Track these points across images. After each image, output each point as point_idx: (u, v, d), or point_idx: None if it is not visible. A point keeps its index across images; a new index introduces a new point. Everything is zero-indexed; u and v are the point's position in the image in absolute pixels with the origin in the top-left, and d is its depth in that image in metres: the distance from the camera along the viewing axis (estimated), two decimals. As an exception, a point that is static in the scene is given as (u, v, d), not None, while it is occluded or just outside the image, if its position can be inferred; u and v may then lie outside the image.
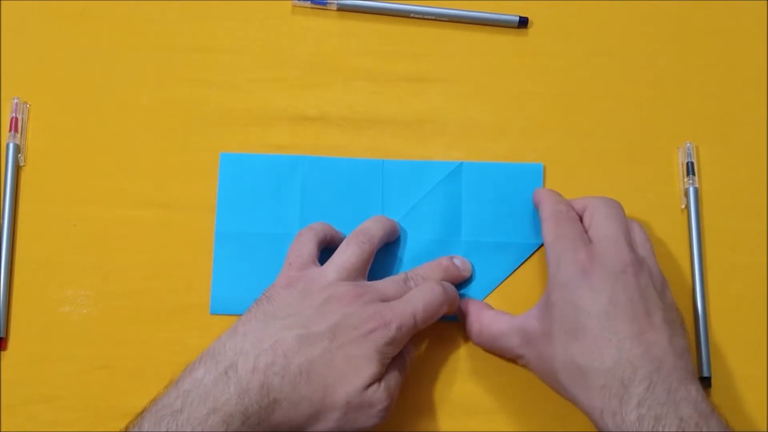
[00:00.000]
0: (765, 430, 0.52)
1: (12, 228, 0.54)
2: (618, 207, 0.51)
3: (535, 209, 0.54)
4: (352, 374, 0.46)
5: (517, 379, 0.53)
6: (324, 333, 0.46)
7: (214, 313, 0.54)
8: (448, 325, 0.54)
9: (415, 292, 0.50)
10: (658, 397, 0.42)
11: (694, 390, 0.43)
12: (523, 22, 0.59)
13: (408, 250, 0.55)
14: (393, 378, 0.48)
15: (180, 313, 0.54)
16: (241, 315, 0.48)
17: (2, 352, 0.52)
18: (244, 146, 0.56)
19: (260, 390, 0.44)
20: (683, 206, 0.56)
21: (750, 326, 0.54)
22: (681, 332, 0.47)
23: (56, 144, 0.56)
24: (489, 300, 0.54)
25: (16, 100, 0.56)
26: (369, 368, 0.46)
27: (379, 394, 0.46)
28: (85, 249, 0.54)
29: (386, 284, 0.50)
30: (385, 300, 0.49)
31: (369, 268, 0.51)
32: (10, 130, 0.55)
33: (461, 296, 0.54)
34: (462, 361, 0.53)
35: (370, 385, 0.46)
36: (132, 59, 0.58)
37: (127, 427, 0.44)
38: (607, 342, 0.44)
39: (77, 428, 0.51)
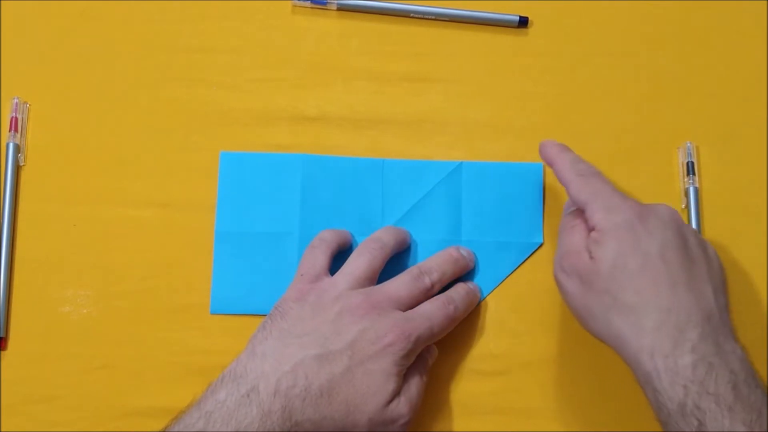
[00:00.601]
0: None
1: (12, 228, 0.54)
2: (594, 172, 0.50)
3: (534, 208, 0.54)
4: (373, 391, 0.46)
5: (517, 379, 0.53)
6: (343, 351, 0.46)
7: (214, 312, 0.54)
8: (448, 325, 0.54)
9: (433, 307, 0.50)
10: (710, 347, 0.42)
11: (739, 348, 0.43)
12: (523, 22, 0.59)
13: (408, 250, 0.55)
14: (414, 387, 0.48)
15: (180, 313, 0.53)
16: (256, 332, 0.48)
17: (2, 352, 0.52)
18: (244, 146, 0.56)
19: (282, 413, 0.44)
20: (683, 206, 0.56)
21: (750, 326, 0.54)
22: (723, 289, 0.46)
23: (56, 144, 0.56)
24: (489, 300, 0.54)
25: (16, 100, 0.56)
26: (389, 384, 0.46)
27: (400, 408, 0.47)
28: (85, 249, 0.54)
29: (399, 285, 0.50)
30: (399, 304, 0.49)
31: (379, 275, 0.51)
32: (10, 130, 0.55)
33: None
34: (462, 361, 0.53)
35: (391, 401, 0.46)
36: (132, 59, 0.58)
37: None
38: (664, 283, 0.44)
39: (77, 428, 0.51)
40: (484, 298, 0.54)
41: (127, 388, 0.52)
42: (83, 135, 0.56)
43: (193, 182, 0.55)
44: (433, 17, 0.59)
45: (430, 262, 0.52)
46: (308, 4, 0.59)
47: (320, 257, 0.51)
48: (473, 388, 0.53)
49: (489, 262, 0.55)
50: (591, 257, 0.46)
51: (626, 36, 0.59)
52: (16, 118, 0.55)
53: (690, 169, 0.56)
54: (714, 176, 0.57)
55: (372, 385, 0.46)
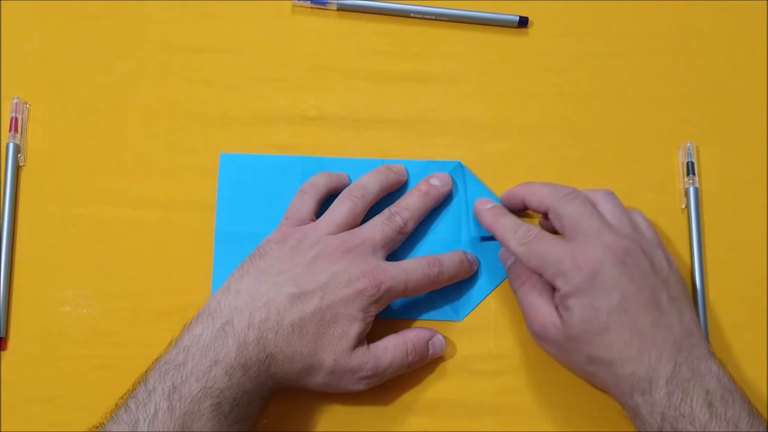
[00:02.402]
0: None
1: (12, 228, 0.54)
2: (571, 191, 0.51)
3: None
4: (339, 333, 0.47)
5: (517, 379, 0.53)
6: (315, 291, 0.47)
7: (214, 313, 0.54)
8: (449, 325, 0.54)
9: (415, 264, 0.51)
10: (684, 375, 0.45)
11: (715, 366, 0.46)
12: (523, 22, 0.59)
13: (408, 249, 0.55)
14: (387, 350, 0.49)
15: (180, 313, 0.53)
16: (234, 271, 0.49)
17: (2, 352, 0.52)
18: (244, 146, 0.56)
19: (257, 344, 0.45)
20: (683, 206, 0.56)
21: (750, 326, 0.54)
22: (686, 306, 0.48)
23: (56, 144, 0.56)
24: (489, 300, 0.54)
25: (16, 100, 0.56)
26: (353, 327, 0.48)
27: (365, 358, 0.48)
28: (85, 249, 0.54)
29: (373, 228, 0.51)
30: (375, 247, 0.50)
31: (361, 221, 0.52)
32: (10, 130, 0.55)
33: (461, 294, 0.54)
34: (463, 361, 0.53)
35: (356, 346, 0.48)
36: (132, 59, 0.58)
37: (133, 387, 0.45)
38: (629, 335, 0.46)
39: (77, 428, 0.51)
40: (484, 298, 0.54)
41: (127, 388, 0.52)
42: (83, 135, 0.56)
43: (193, 182, 0.55)
44: (433, 17, 0.59)
45: (401, 200, 0.53)
46: (308, 4, 0.59)
47: (308, 202, 0.52)
48: (473, 388, 0.53)
49: (489, 262, 0.55)
50: (560, 320, 0.48)
51: (626, 36, 0.59)
52: (16, 118, 0.55)
53: (690, 169, 0.56)
54: (714, 176, 0.57)
55: (339, 327, 0.47)
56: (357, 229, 0.51)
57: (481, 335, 0.54)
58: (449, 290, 0.54)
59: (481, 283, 0.55)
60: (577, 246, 0.48)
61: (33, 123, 0.56)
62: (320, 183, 0.53)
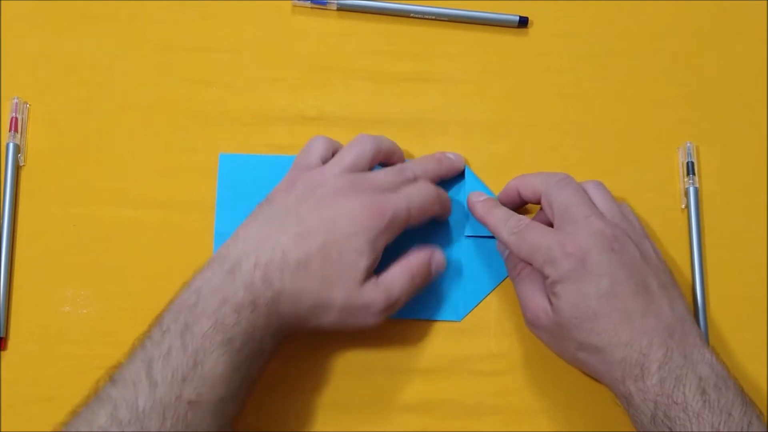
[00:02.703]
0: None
1: (12, 228, 0.54)
2: (564, 178, 0.51)
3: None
4: (346, 268, 0.47)
5: (517, 379, 0.53)
6: (319, 227, 0.47)
7: (214, 313, 0.54)
8: (450, 325, 0.54)
9: (412, 188, 0.51)
10: (677, 361, 0.44)
11: (708, 353, 0.45)
12: (523, 22, 0.59)
13: (408, 247, 0.54)
14: (396, 278, 0.49)
15: (180, 313, 0.53)
16: (244, 220, 0.49)
17: (2, 352, 0.52)
18: (244, 146, 0.56)
19: (263, 282, 0.46)
20: (683, 206, 0.56)
21: (750, 326, 0.54)
22: (677, 294, 0.48)
23: (56, 144, 0.56)
24: (489, 300, 0.54)
25: (16, 100, 0.56)
26: (361, 261, 0.47)
27: (375, 293, 0.48)
28: (85, 249, 0.54)
29: (382, 175, 0.51)
30: (382, 191, 0.50)
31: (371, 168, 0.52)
32: (10, 130, 0.55)
33: (461, 294, 0.54)
34: (463, 361, 0.53)
35: (365, 280, 0.47)
36: (132, 59, 0.58)
37: (149, 328, 0.45)
38: (619, 320, 0.46)
39: (77, 428, 0.51)
40: (484, 298, 0.54)
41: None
42: (83, 135, 0.56)
43: (193, 182, 0.55)
44: (433, 17, 0.59)
45: (414, 161, 0.54)
46: (308, 4, 0.59)
47: (318, 148, 0.52)
48: (473, 388, 0.53)
49: (489, 262, 0.55)
50: (551, 306, 0.48)
51: (626, 36, 0.59)
52: (16, 118, 0.55)
53: (690, 169, 0.56)
54: (714, 176, 0.57)
55: (346, 262, 0.47)
56: (367, 173, 0.51)
57: (481, 335, 0.54)
58: (449, 290, 0.54)
59: (481, 283, 0.55)
60: (566, 233, 0.48)
61: (33, 123, 0.56)
62: (329, 138, 0.53)
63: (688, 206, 0.56)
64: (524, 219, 0.51)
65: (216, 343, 0.44)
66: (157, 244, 0.54)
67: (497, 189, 0.56)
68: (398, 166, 0.52)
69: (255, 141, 0.56)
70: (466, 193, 0.55)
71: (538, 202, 0.52)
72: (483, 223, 0.53)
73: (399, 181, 0.51)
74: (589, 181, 0.52)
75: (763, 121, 0.58)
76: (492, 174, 0.56)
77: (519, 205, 0.54)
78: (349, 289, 0.47)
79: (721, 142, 0.58)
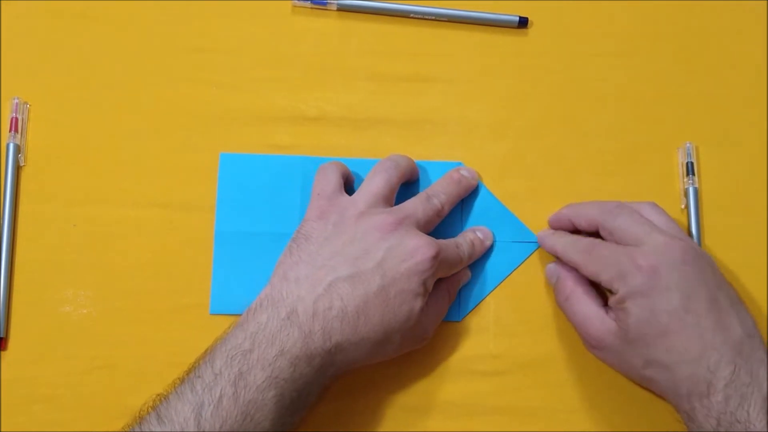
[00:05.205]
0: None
1: (12, 228, 0.54)
2: (618, 205, 0.51)
3: None
4: (405, 310, 0.47)
5: (517, 379, 0.53)
6: (374, 270, 0.47)
7: (214, 313, 0.54)
8: (450, 325, 0.54)
9: (461, 239, 0.53)
10: (743, 379, 0.44)
11: None
12: (523, 22, 0.59)
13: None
14: (440, 304, 0.51)
15: (180, 313, 0.53)
16: (283, 257, 0.49)
17: (2, 352, 0.52)
18: (244, 146, 0.56)
19: (322, 334, 0.45)
20: (683, 206, 0.56)
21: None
22: (743, 308, 0.48)
23: (56, 144, 0.56)
24: (489, 300, 0.54)
25: (16, 100, 0.56)
26: (417, 302, 0.48)
27: (427, 325, 0.50)
28: (85, 249, 0.54)
29: (415, 205, 0.51)
30: (418, 224, 0.50)
31: (395, 195, 0.52)
32: (10, 130, 0.55)
33: (461, 294, 0.54)
34: (463, 361, 0.53)
35: (420, 318, 0.48)
36: (132, 59, 0.58)
37: (197, 363, 0.45)
38: (690, 336, 0.45)
39: (77, 428, 0.51)
40: (484, 298, 0.54)
41: (127, 388, 0.52)
42: (83, 135, 0.56)
43: (193, 182, 0.55)
44: (433, 17, 0.59)
45: (435, 186, 0.54)
46: (308, 4, 0.59)
47: (333, 176, 0.52)
48: (473, 388, 0.53)
49: (489, 261, 0.55)
50: (616, 324, 0.47)
51: (626, 36, 0.59)
52: (16, 118, 0.55)
53: (690, 169, 0.56)
54: (714, 176, 0.57)
55: (404, 303, 0.47)
56: (400, 205, 0.51)
57: (481, 335, 0.54)
58: (449, 290, 0.54)
59: (481, 283, 0.55)
60: (633, 248, 0.48)
61: (33, 123, 0.56)
62: (337, 163, 0.53)
63: (687, 206, 0.56)
64: (595, 240, 0.50)
65: (269, 398, 0.43)
66: (157, 244, 0.54)
67: (497, 189, 0.56)
68: (425, 195, 0.52)
69: (255, 141, 0.56)
70: (477, 205, 0.56)
71: (592, 232, 0.52)
72: (552, 253, 0.53)
73: (431, 214, 0.51)
74: (642, 202, 0.52)
75: (763, 121, 0.58)
76: (492, 174, 0.56)
77: (571, 232, 0.54)
78: (406, 330, 0.48)
79: (721, 142, 0.58)
